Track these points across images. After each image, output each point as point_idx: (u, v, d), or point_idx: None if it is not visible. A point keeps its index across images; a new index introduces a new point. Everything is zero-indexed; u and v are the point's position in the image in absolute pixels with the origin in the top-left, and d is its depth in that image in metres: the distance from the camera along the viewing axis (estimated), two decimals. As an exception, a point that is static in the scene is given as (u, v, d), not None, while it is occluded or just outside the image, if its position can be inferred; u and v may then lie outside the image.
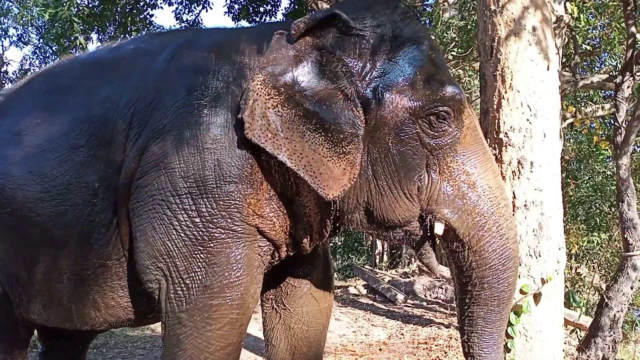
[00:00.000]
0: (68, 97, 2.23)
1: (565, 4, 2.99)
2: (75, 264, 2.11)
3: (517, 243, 2.00)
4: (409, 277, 7.57)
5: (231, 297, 1.89)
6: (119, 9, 8.77)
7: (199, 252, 1.88)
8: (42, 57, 13.12)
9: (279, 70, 1.86)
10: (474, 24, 5.42)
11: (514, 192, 2.44)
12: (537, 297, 2.43)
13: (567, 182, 6.90)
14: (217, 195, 1.87)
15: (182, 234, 1.88)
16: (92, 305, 2.14)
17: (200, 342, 1.89)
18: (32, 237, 2.17)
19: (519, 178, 2.44)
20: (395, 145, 1.88)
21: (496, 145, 2.49)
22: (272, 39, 1.91)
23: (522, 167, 2.44)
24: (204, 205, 1.87)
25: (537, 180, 2.44)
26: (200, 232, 1.87)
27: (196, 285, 1.88)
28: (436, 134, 1.88)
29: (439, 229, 1.91)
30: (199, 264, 1.88)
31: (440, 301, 6.57)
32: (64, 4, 7.21)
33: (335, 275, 9.49)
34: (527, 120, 2.45)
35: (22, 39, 12.80)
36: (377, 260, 9.79)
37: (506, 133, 2.47)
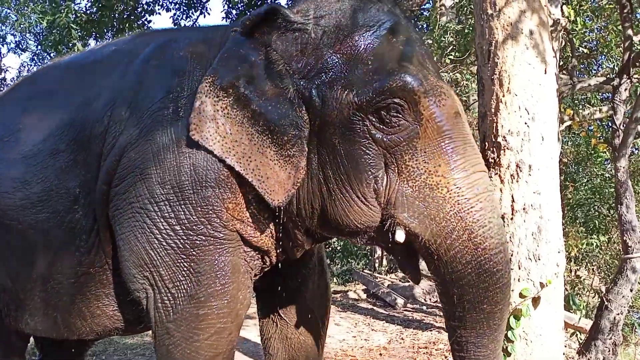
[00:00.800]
0: (49, 101, 2.20)
1: (562, 7, 3.01)
2: (59, 273, 2.07)
3: (502, 254, 1.68)
4: (409, 281, 7.54)
5: (217, 305, 1.84)
6: (116, 15, 8.77)
7: (182, 260, 1.82)
8: (40, 64, 13.11)
9: (228, 71, 1.79)
10: (471, 28, 5.43)
11: (512, 196, 2.45)
12: (536, 300, 2.43)
13: (566, 185, 6.89)
14: (194, 201, 1.80)
15: (164, 243, 1.83)
16: (78, 315, 2.10)
17: (189, 353, 1.86)
18: (15, 246, 2.14)
19: (517, 181, 2.44)
20: (342, 145, 1.71)
21: (494, 149, 2.49)
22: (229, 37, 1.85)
23: (521, 171, 2.44)
24: (182, 212, 1.81)
25: (535, 183, 2.44)
26: (182, 240, 1.82)
27: (182, 295, 1.84)
28: (390, 129, 1.68)
29: (399, 236, 1.70)
30: (183, 272, 1.83)
31: (440, 305, 6.53)
32: (62, 11, 7.24)
33: (335, 280, 9.48)
34: (525, 123, 2.45)
35: (20, 46, 12.78)
36: (377, 265, 9.76)
37: (504, 137, 2.47)
